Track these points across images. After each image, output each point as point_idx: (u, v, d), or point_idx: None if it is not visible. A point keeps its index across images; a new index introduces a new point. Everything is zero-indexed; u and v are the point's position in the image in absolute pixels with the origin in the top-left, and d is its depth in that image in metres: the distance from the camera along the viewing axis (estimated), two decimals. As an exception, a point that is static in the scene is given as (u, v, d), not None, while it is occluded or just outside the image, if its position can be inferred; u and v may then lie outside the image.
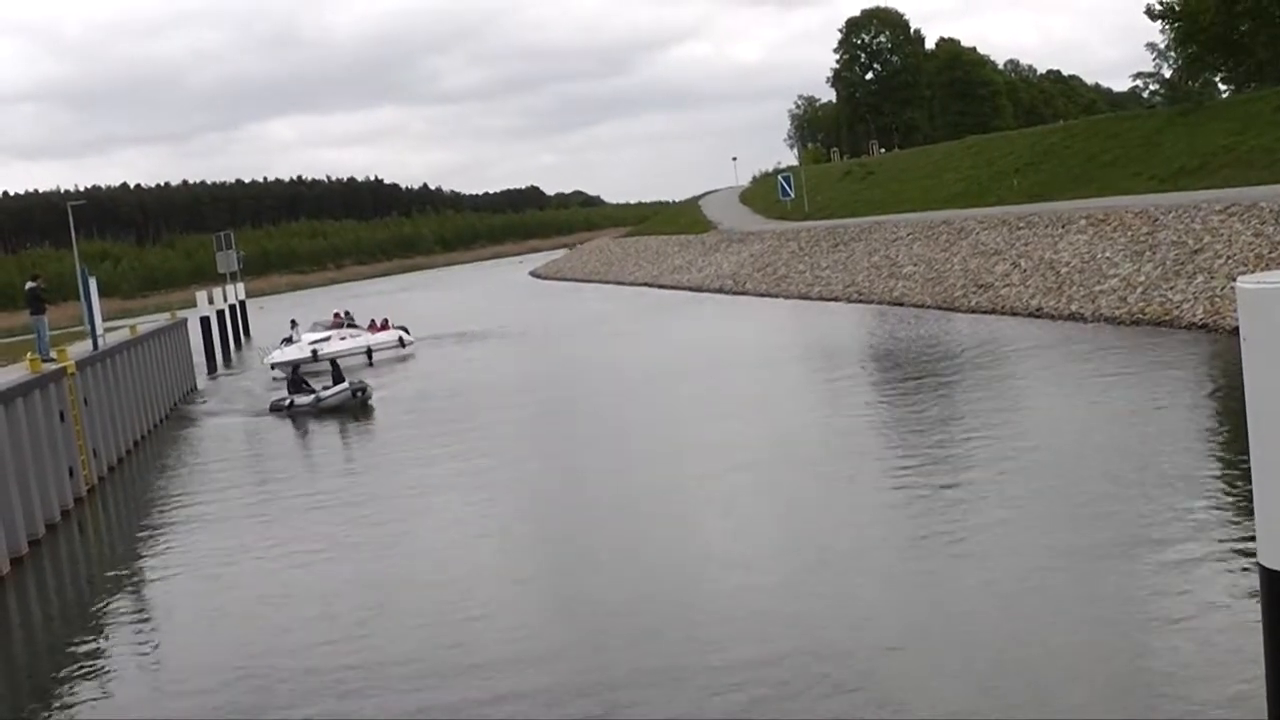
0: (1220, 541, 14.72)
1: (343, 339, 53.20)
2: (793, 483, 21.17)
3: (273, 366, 50.31)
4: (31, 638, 17.93)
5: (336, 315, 58.81)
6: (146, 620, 17.79)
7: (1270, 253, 32.22)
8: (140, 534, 23.58)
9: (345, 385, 37.02)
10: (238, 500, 25.25)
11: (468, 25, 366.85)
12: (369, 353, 52.52)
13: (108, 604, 18.75)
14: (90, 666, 15.64)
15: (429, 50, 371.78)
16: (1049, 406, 25.28)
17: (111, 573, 21.09)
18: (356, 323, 57.35)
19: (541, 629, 15.09)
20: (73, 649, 16.49)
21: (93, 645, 16.57)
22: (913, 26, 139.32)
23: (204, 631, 16.55)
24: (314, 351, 50.46)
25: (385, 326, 56.17)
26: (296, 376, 39.90)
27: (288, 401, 37.87)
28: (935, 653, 12.75)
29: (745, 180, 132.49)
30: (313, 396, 37.03)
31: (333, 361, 41.41)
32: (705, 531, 18.88)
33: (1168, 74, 63.80)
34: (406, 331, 55.86)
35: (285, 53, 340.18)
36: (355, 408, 36.27)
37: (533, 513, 21.88)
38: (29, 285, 32.89)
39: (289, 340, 54.38)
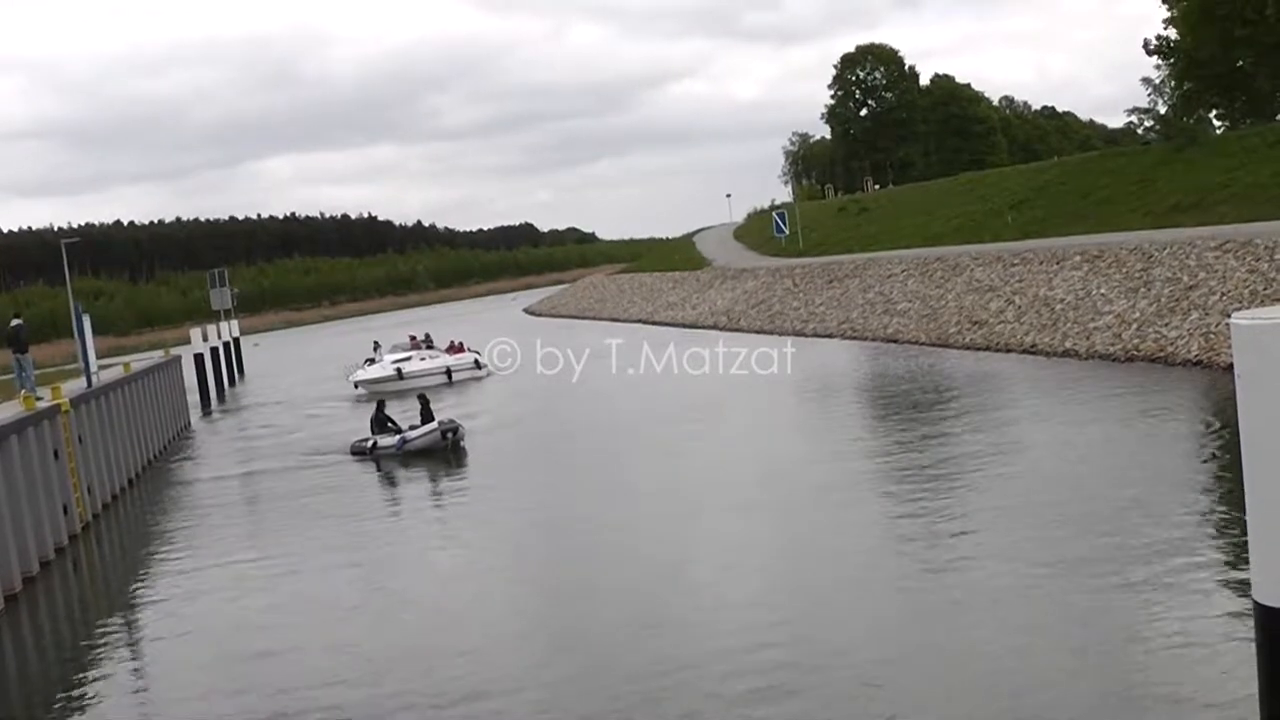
0: (1216, 576, 14.70)
1: (423, 359, 54.11)
2: (807, 519, 21.17)
3: (356, 385, 51.40)
4: (25, 674, 17.81)
5: (413, 338, 59.56)
6: (139, 659, 17.72)
7: (1265, 289, 32.25)
8: (134, 572, 23.56)
9: (434, 425, 32.96)
10: (232, 538, 25.15)
11: (467, 64, 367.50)
12: (449, 373, 53.11)
13: (101, 641, 18.69)
14: (82, 705, 15.54)
15: (428, 88, 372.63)
16: (1045, 444, 25.18)
17: (105, 610, 21.06)
18: (435, 344, 57.99)
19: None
20: (66, 686, 16.41)
21: (86, 683, 16.47)
22: (907, 63, 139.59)
23: (196, 672, 16.43)
24: (398, 370, 51.71)
25: (462, 349, 56.72)
26: (381, 415, 34.96)
27: (370, 442, 33.64)
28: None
29: (740, 217, 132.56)
30: (398, 438, 33.07)
31: (421, 397, 36.19)
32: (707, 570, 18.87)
33: (1163, 110, 63.83)
34: (480, 355, 56.35)
35: (286, 91, 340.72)
36: (445, 451, 32.32)
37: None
38: (15, 323, 32.37)
39: (371, 361, 55.16)
